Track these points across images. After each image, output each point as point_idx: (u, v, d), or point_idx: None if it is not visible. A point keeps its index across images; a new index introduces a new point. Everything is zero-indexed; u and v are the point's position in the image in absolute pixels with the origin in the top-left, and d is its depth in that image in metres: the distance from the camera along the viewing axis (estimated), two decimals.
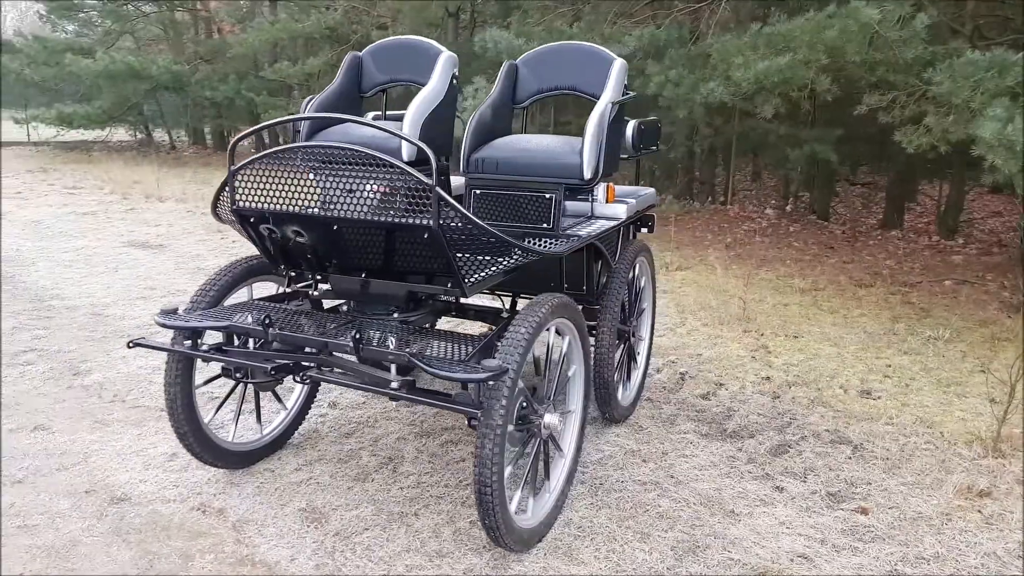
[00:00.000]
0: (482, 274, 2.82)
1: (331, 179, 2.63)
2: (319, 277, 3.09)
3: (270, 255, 2.97)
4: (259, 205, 2.69)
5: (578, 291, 3.77)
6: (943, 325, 5.64)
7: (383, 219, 2.58)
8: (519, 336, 2.53)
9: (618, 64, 3.44)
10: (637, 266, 4.08)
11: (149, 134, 20.56)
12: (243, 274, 3.19)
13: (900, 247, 8.72)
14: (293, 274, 3.11)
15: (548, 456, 2.94)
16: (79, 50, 15.40)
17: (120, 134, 19.82)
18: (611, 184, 3.28)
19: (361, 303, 3.06)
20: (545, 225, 3.22)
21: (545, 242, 3.16)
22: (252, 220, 2.77)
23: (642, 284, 4.16)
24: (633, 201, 3.68)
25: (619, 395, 3.92)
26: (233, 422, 3.35)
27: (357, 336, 2.52)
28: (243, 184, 2.70)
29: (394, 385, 2.48)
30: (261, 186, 2.68)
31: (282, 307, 3.03)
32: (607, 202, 3.27)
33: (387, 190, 2.59)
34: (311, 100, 3.64)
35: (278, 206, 2.68)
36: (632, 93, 3.51)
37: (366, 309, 3.04)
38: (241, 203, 2.71)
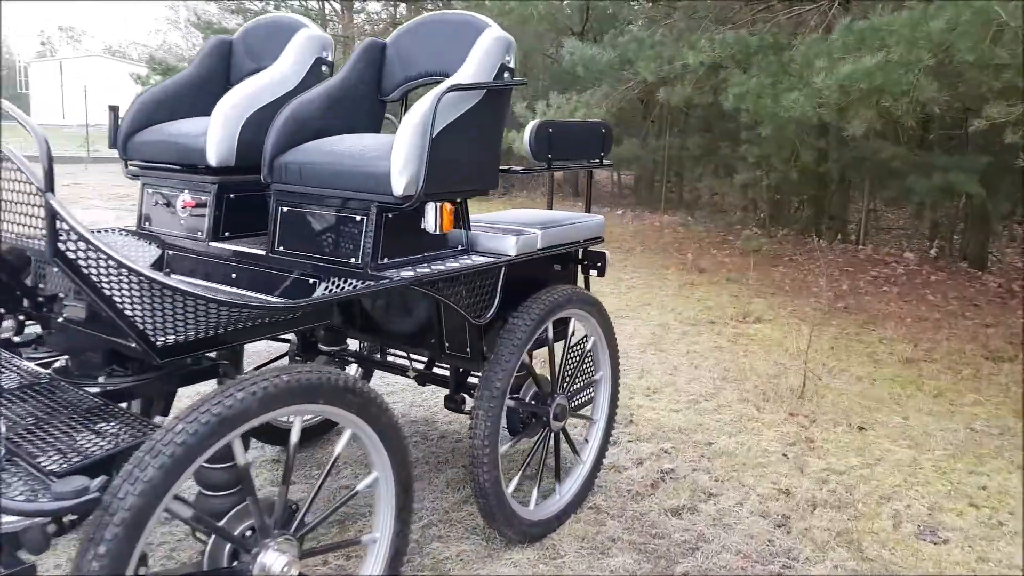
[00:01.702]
0: (191, 332, 1.86)
1: None
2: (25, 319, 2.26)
3: None
4: None
5: (461, 353, 2.71)
6: None
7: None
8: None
9: (488, 37, 2.37)
10: (575, 323, 2.95)
11: None
12: None
13: None
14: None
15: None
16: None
17: None
18: (448, 204, 2.22)
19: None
20: (353, 260, 2.21)
21: (340, 283, 2.16)
22: None
23: (588, 347, 3.02)
24: (535, 232, 2.58)
25: (531, 503, 2.80)
26: None
27: None
28: None
29: None
30: None
31: None
32: (440, 230, 2.21)
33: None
34: (143, 93, 2.85)
35: None
36: (518, 79, 2.43)
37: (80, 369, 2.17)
38: None
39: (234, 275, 2.46)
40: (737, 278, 7.60)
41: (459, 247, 2.47)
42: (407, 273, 2.18)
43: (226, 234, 2.60)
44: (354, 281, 2.14)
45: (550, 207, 3.34)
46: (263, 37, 2.98)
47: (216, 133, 2.49)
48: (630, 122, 12.70)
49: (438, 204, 2.20)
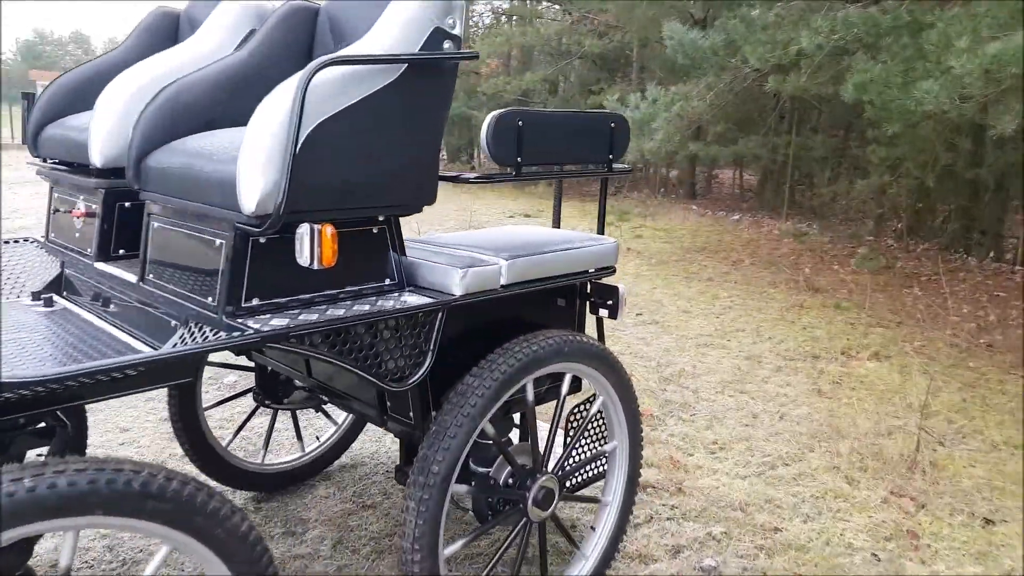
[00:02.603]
0: None
1: None
2: None
3: None
4: None
5: (404, 418, 2.07)
6: None
7: None
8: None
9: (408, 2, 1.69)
10: (568, 381, 2.23)
11: None
12: None
13: None
14: None
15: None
16: None
17: None
18: (329, 226, 1.56)
19: None
20: (209, 300, 1.61)
21: (194, 331, 1.56)
22: None
23: (594, 409, 2.29)
24: (496, 264, 1.89)
25: None
26: None
27: None
28: None
29: None
30: None
31: None
32: (318, 264, 1.55)
33: None
34: (61, 76, 2.38)
35: None
36: (461, 52, 1.73)
37: None
38: None
39: (112, 305, 1.93)
40: (856, 301, 6.52)
41: (387, 281, 1.83)
42: (279, 322, 1.55)
43: (120, 251, 2.07)
44: (207, 330, 1.53)
45: (556, 224, 2.63)
46: (211, 7, 2.44)
47: (102, 126, 1.96)
48: (748, 117, 11.56)
49: (315, 227, 1.55)
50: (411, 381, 1.76)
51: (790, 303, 6.42)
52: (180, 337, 1.51)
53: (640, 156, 7.59)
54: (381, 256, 1.80)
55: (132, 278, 1.86)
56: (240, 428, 2.96)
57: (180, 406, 2.66)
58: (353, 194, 1.65)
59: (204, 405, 2.77)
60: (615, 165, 2.18)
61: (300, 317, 1.59)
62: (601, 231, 2.36)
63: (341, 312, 1.63)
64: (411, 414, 1.99)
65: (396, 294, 1.80)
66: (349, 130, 1.59)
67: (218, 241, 1.60)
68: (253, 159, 1.47)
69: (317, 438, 3.17)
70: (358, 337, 1.68)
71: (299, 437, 3.07)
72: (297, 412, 3.12)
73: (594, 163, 2.15)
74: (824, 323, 5.82)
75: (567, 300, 2.31)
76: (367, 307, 1.67)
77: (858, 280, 7.31)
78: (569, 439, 2.28)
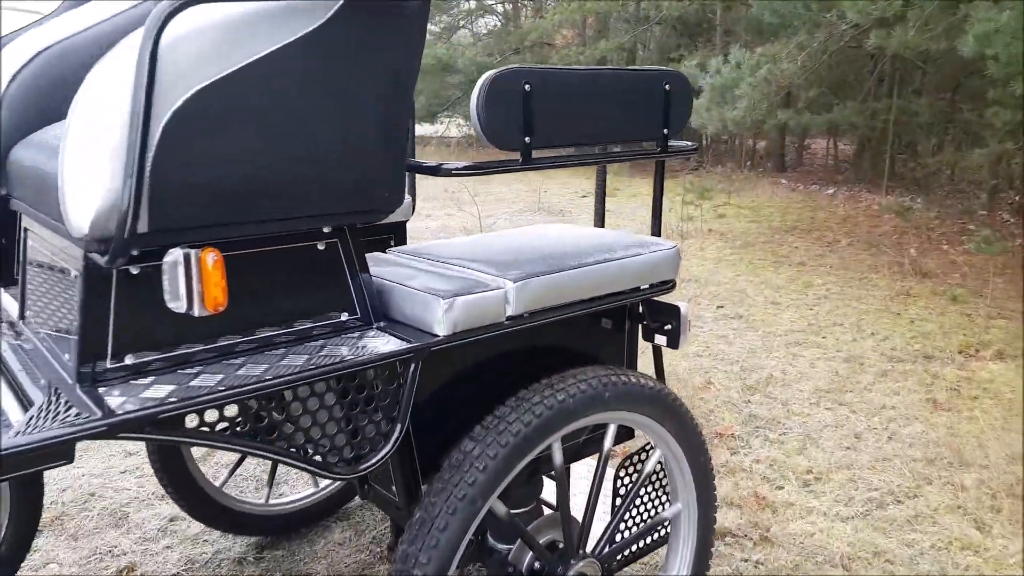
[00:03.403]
0: None
1: None
2: None
3: None
4: None
5: (387, 493, 1.61)
6: None
7: None
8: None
9: None
10: (613, 432, 1.72)
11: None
12: None
13: None
14: None
15: None
16: None
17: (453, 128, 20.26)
18: (211, 251, 1.09)
19: None
20: (67, 358, 1.18)
21: (47, 404, 1.13)
22: None
23: (649, 467, 1.78)
24: (501, 287, 1.41)
25: None
26: None
27: None
28: None
29: None
30: None
31: None
32: (201, 307, 1.08)
33: None
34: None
35: None
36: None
37: None
38: None
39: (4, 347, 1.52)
40: (972, 287, 5.71)
41: (344, 316, 1.35)
42: (159, 391, 1.11)
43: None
44: (56, 404, 1.10)
45: (599, 221, 2.09)
46: None
47: None
48: (844, 81, 10.56)
49: (189, 253, 1.09)
50: (371, 463, 1.29)
51: (895, 291, 5.67)
52: (30, 417, 1.08)
53: (723, 127, 6.90)
54: (332, 282, 1.33)
55: (15, 313, 1.46)
56: (237, 465, 2.57)
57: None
58: (272, 198, 1.18)
59: None
60: (672, 143, 1.64)
61: (196, 381, 1.13)
62: (657, 232, 1.82)
63: (260, 370, 1.17)
64: (394, 488, 1.53)
65: (357, 335, 1.33)
66: (251, 103, 1.12)
67: (73, 273, 1.16)
68: (79, 156, 1.02)
69: None
70: (286, 408, 1.23)
71: (270, 482, 2.63)
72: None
73: (642, 140, 1.60)
74: (935, 315, 5.07)
75: (614, 324, 1.80)
76: (301, 360, 1.21)
77: (972, 262, 6.45)
78: (617, 505, 1.78)
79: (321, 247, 1.31)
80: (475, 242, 1.75)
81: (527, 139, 1.35)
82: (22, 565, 2.19)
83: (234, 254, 1.23)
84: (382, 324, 1.39)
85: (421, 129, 19.31)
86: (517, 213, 9.25)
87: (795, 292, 5.66)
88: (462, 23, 18.58)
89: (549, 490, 2.11)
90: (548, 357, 1.69)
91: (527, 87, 1.34)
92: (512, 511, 1.75)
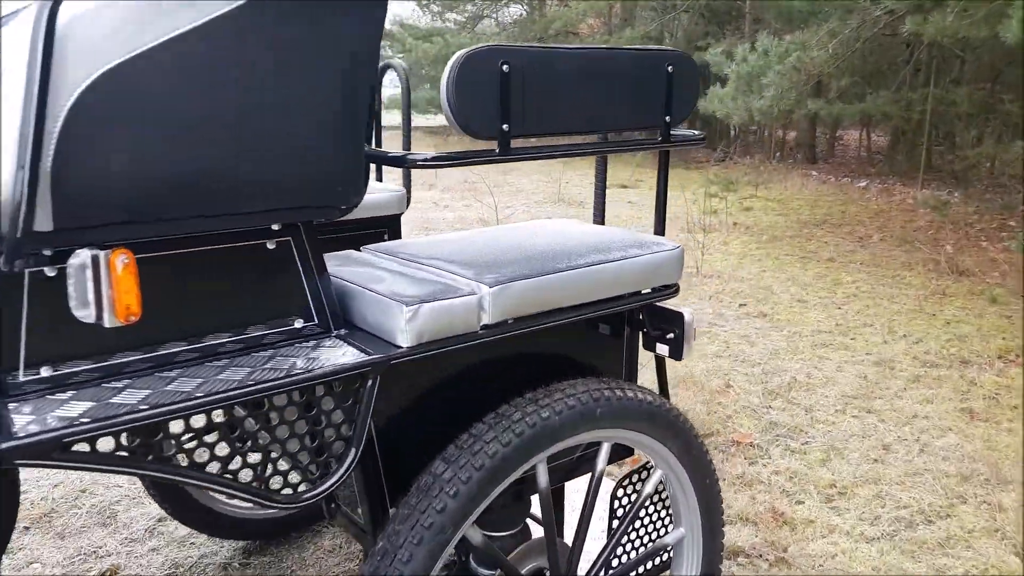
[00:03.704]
0: None
1: None
2: None
3: None
4: None
5: (354, 516, 1.44)
6: None
7: None
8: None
9: None
10: (607, 451, 1.54)
11: None
12: None
13: None
14: None
15: None
16: (421, 35, 15.57)
17: None
18: (122, 252, 0.93)
19: None
20: None
21: None
22: None
23: (647, 488, 1.60)
24: (475, 292, 1.24)
25: None
26: None
27: None
28: None
29: None
30: None
31: None
32: (112, 318, 0.93)
33: None
34: None
35: None
36: None
37: None
38: None
39: None
40: (1012, 287, 5.43)
41: (297, 324, 1.19)
42: (72, 410, 0.95)
43: None
44: None
45: (599, 218, 1.91)
46: None
47: None
48: (877, 69, 10.19)
49: (98, 255, 0.93)
50: (319, 491, 1.13)
51: (929, 290, 5.40)
52: None
53: (748, 116, 6.64)
54: (285, 285, 1.17)
55: None
56: None
57: None
58: (203, 193, 1.02)
59: None
60: (674, 132, 1.45)
61: (118, 397, 0.98)
62: (660, 230, 1.63)
63: (192, 385, 1.01)
64: (359, 511, 1.36)
65: (312, 344, 1.17)
66: (172, 84, 0.96)
67: None
68: None
69: None
70: (220, 428, 1.07)
71: None
72: None
73: (641, 128, 1.41)
74: (973, 316, 4.81)
75: (611, 331, 1.61)
76: (242, 374, 1.05)
77: (1012, 261, 6.15)
78: (614, 527, 1.61)
79: (271, 246, 1.15)
80: (460, 239, 1.58)
81: (504, 126, 1.18)
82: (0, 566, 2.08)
83: (173, 254, 1.08)
84: (343, 332, 1.23)
85: (439, 119, 19.17)
86: (536, 204, 9.06)
87: (823, 290, 5.42)
88: (487, 12, 18.36)
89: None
90: (535, 368, 1.52)
91: (505, 68, 1.16)
92: (495, 534, 1.59)
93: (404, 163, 1.14)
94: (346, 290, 1.27)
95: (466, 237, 1.60)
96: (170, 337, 1.09)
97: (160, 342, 1.08)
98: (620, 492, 1.68)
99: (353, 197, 1.15)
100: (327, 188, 1.14)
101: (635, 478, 1.68)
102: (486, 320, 1.26)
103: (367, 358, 1.14)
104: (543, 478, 1.40)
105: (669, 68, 1.37)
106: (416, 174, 11.94)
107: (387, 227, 2.16)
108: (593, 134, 1.29)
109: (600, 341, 1.59)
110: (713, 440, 3.13)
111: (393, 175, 2.39)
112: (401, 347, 1.17)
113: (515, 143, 1.20)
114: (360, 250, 1.55)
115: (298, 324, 1.18)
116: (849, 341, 4.34)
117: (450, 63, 1.13)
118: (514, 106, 1.17)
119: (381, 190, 2.13)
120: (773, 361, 4.04)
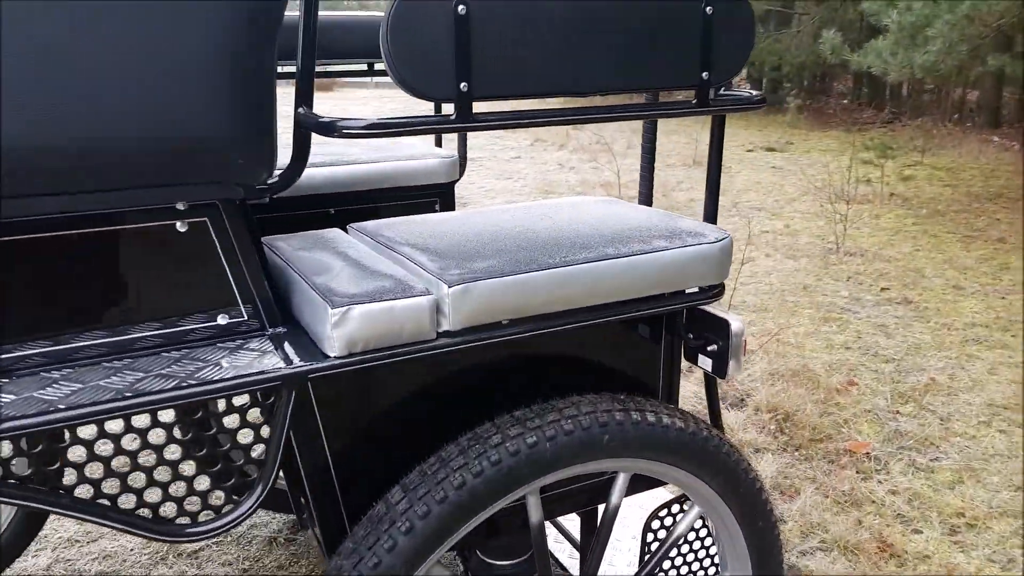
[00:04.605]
0: None
1: None
2: None
3: None
4: None
5: (316, 537, 1.27)
6: None
7: None
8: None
9: None
10: (624, 482, 1.28)
11: None
12: None
13: None
14: None
15: None
16: None
17: None
18: None
19: None
20: None
21: None
22: None
23: (679, 527, 1.32)
24: (435, 292, 1.02)
25: None
26: None
27: None
28: None
29: None
30: None
31: None
32: None
33: None
34: None
35: None
36: None
37: None
38: None
39: None
40: None
41: (221, 320, 1.01)
42: None
43: None
44: None
45: (646, 200, 1.60)
46: None
47: None
48: None
49: None
50: (219, 525, 0.95)
51: None
52: None
53: (910, 73, 5.85)
54: (202, 273, 0.99)
55: None
56: None
57: None
58: (74, 163, 0.85)
59: None
60: (721, 93, 1.13)
61: None
62: (712, 216, 1.31)
63: (64, 392, 0.86)
64: (318, 532, 1.19)
65: (236, 344, 0.99)
66: (17, 33, 0.78)
67: None
68: None
69: None
70: (89, 445, 0.91)
71: None
72: None
73: (665, 88, 1.09)
74: None
75: (645, 338, 1.33)
76: (128, 380, 0.88)
77: None
78: (643, 563, 1.35)
79: (182, 228, 0.97)
80: (456, 220, 1.34)
81: (463, 85, 0.92)
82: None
83: (68, 234, 0.93)
84: (280, 331, 1.04)
85: None
86: (667, 168, 8.55)
87: (986, 276, 4.72)
88: None
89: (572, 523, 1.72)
90: (539, 380, 1.27)
91: (461, 8, 0.90)
92: (499, 563, 1.38)
93: (334, 130, 0.92)
94: (291, 280, 1.08)
95: (464, 217, 1.37)
96: (76, 329, 0.94)
97: (63, 334, 0.94)
98: (656, 523, 1.42)
99: (257, 171, 0.95)
100: (221, 162, 0.94)
101: (671, 510, 1.40)
102: (446, 326, 1.03)
103: (279, 371, 0.94)
104: (535, 513, 1.16)
105: (708, 9, 1.05)
106: (541, 132, 11.55)
107: (438, 196, 1.97)
108: (588, 96, 1.01)
109: (629, 351, 1.31)
110: (822, 447, 2.75)
111: (450, 139, 2.17)
112: (328, 356, 0.97)
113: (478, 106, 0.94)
114: (346, 229, 1.35)
115: (222, 320, 1.01)
116: (1009, 339, 3.73)
117: (387, 7, 0.89)
118: (476, 60, 0.91)
119: (430, 155, 1.93)
120: (911, 357, 3.53)
